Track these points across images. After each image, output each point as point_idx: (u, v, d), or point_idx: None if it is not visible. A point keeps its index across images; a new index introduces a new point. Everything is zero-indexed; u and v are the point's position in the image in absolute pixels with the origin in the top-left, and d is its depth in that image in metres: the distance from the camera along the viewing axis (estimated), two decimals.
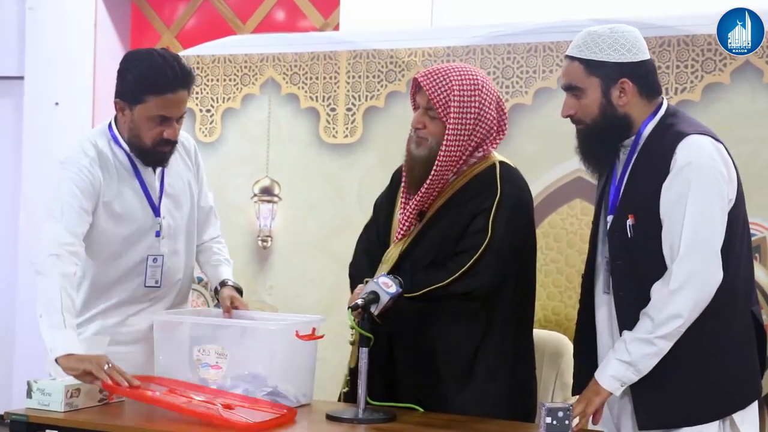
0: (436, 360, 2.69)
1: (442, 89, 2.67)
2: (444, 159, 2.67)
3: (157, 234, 2.96)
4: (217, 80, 4.08)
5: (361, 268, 2.84)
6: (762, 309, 3.22)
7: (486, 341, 2.70)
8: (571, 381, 2.78)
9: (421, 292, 2.63)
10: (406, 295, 2.59)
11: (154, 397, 2.50)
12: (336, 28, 4.74)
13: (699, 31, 3.34)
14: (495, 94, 2.74)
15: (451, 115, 2.66)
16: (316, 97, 3.96)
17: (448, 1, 4.41)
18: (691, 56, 3.36)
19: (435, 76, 2.68)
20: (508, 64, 3.63)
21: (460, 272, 2.63)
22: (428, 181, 2.69)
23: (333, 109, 3.92)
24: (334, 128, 3.91)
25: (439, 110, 2.67)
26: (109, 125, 2.96)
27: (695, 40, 3.35)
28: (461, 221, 2.68)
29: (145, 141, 2.87)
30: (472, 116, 2.68)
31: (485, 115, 2.70)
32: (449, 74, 2.69)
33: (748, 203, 3.24)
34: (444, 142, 2.67)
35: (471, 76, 2.70)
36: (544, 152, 3.48)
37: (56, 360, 2.59)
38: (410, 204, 2.73)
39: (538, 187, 3.56)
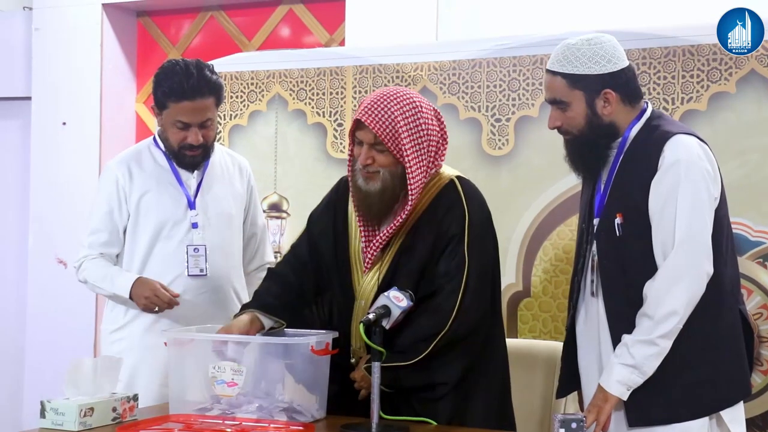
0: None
1: (387, 123, 2.67)
2: (415, 189, 2.69)
3: (194, 226, 3.21)
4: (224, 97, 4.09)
5: (266, 294, 2.83)
6: None
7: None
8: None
9: (425, 353, 2.64)
10: (408, 363, 2.62)
11: None
12: (342, 43, 4.75)
13: (704, 40, 3.35)
14: (431, 107, 2.78)
15: (406, 147, 2.67)
16: (323, 112, 3.97)
17: (453, 15, 4.42)
18: (697, 66, 3.37)
19: (376, 112, 2.68)
20: (514, 77, 3.64)
21: (455, 310, 2.65)
22: (404, 214, 2.70)
23: (340, 125, 3.94)
24: (341, 143, 3.93)
25: (389, 144, 2.67)
26: (157, 131, 3.31)
27: (700, 49, 3.36)
28: (437, 245, 2.70)
29: (172, 144, 3.21)
30: (423, 139, 2.71)
31: (431, 131, 2.74)
32: (388, 105, 2.68)
33: (756, 211, 3.27)
34: (409, 175, 2.68)
35: (408, 99, 2.72)
36: (551, 164, 3.48)
37: (131, 298, 3.17)
38: (379, 237, 2.74)
39: (546, 198, 3.58)
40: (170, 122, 3.16)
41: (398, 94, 2.72)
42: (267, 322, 2.78)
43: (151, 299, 3.14)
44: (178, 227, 3.23)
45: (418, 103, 2.73)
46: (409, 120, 2.69)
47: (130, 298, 3.18)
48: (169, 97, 3.12)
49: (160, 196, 3.23)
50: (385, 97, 2.71)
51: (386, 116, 2.67)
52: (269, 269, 2.98)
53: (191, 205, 3.24)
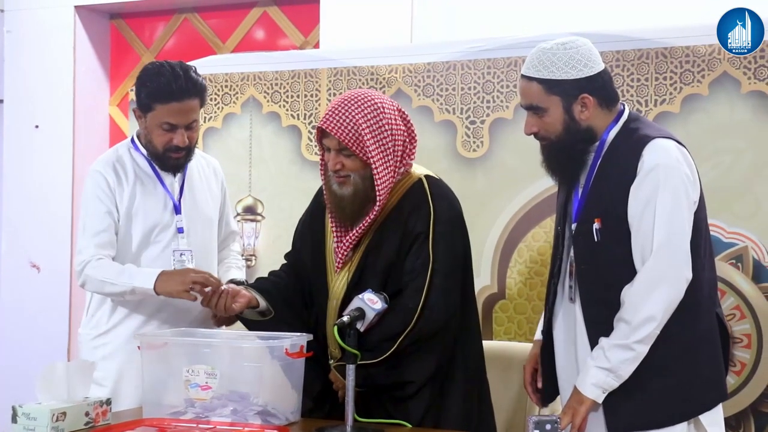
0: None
1: (350, 128, 2.68)
2: (382, 190, 2.71)
3: (180, 231, 3.18)
4: None
5: (263, 280, 2.98)
6: (744, 318, 3.28)
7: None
8: None
9: (390, 351, 2.65)
10: (375, 361, 2.64)
11: None
12: (316, 45, 4.74)
13: (677, 43, 3.37)
14: (395, 106, 2.79)
15: (371, 149, 2.69)
16: (298, 115, 3.96)
17: (427, 17, 4.43)
18: (670, 68, 3.39)
19: (338, 118, 2.69)
20: (488, 79, 3.65)
21: (419, 309, 2.66)
22: (372, 214, 2.73)
23: (315, 127, 3.92)
24: (316, 146, 3.90)
25: (354, 149, 2.69)
26: (134, 134, 3.25)
27: (673, 52, 3.38)
28: (403, 244, 2.72)
29: (157, 147, 3.14)
30: (388, 140, 2.72)
31: (396, 131, 2.75)
32: (349, 110, 2.70)
33: (729, 213, 3.29)
34: (376, 176, 2.70)
35: (369, 101, 2.73)
36: (525, 166, 3.49)
37: (156, 292, 2.99)
38: (349, 237, 2.77)
39: (520, 200, 3.58)
40: (156, 124, 3.10)
41: (359, 98, 2.73)
42: (262, 303, 2.87)
43: (181, 293, 2.96)
44: (165, 232, 3.18)
45: (379, 104, 2.73)
46: (372, 122, 2.70)
47: (155, 291, 2.99)
48: (156, 99, 3.06)
49: (146, 200, 3.18)
50: (345, 102, 2.72)
51: (348, 121, 2.68)
52: (270, 272, 3.04)
53: (177, 210, 3.20)
